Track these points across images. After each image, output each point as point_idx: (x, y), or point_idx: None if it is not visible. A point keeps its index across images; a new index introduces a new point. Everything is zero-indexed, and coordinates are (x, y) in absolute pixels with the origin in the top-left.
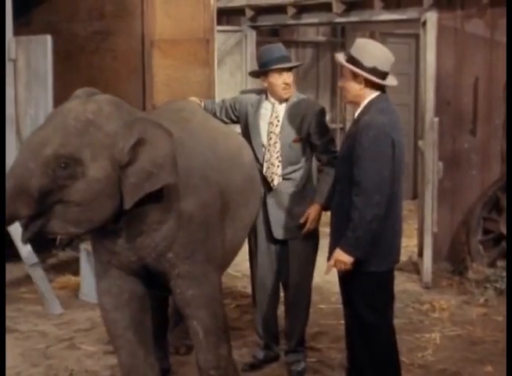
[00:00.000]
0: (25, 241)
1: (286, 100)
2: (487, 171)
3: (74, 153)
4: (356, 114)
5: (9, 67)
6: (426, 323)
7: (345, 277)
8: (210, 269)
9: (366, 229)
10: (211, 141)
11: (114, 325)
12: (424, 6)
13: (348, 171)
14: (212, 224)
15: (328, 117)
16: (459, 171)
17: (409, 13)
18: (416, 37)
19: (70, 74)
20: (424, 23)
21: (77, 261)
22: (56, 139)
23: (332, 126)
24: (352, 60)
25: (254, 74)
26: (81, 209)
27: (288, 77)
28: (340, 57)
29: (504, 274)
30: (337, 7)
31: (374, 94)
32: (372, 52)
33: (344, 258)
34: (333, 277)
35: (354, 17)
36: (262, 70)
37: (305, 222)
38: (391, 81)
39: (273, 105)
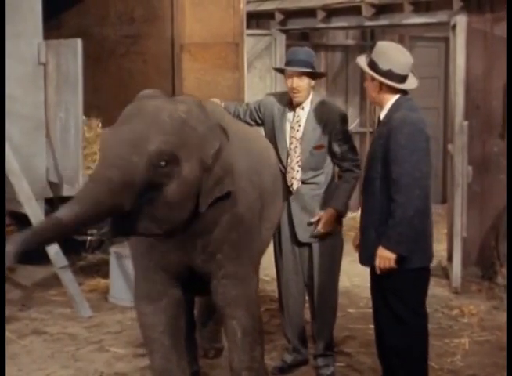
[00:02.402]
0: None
1: (299, 104)
2: None
3: (174, 151)
4: (382, 116)
5: (39, 71)
6: (455, 328)
7: (383, 274)
8: (252, 270)
9: (409, 224)
10: (245, 143)
11: (151, 329)
12: (454, 10)
13: (382, 170)
14: (255, 225)
15: (357, 121)
16: (489, 175)
17: (439, 17)
18: (446, 40)
19: (100, 78)
20: (454, 27)
21: (106, 263)
22: (157, 136)
23: (361, 130)
24: (371, 63)
25: (279, 72)
26: (169, 209)
27: (296, 82)
28: (361, 60)
29: None
30: (367, 10)
31: (394, 96)
32: (388, 54)
33: (386, 254)
34: (362, 282)
35: (383, 21)
36: (278, 71)
37: (317, 223)
38: (410, 83)
39: (295, 109)
